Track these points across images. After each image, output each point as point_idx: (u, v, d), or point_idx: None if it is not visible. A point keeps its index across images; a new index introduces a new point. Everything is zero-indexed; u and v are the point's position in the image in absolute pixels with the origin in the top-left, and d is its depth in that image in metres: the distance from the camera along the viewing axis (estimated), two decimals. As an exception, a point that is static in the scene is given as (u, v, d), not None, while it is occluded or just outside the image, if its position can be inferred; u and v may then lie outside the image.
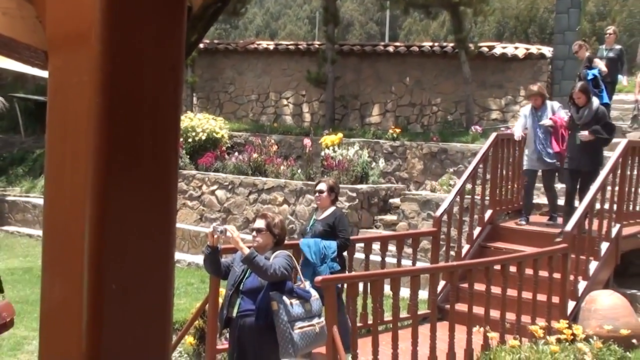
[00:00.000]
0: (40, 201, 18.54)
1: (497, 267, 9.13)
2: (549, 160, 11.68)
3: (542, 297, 9.41)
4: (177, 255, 14.74)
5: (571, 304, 9.90)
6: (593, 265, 10.48)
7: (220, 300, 8.08)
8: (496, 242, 11.77)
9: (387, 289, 8.57)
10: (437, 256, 11.19)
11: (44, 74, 1.86)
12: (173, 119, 1.74)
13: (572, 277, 10.01)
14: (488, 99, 18.15)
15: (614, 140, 11.67)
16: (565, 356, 8.25)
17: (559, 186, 12.51)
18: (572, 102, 11.37)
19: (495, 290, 9.00)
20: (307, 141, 16.61)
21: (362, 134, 17.95)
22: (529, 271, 9.32)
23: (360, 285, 8.86)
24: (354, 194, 14.75)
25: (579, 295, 10.02)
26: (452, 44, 18.75)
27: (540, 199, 12.66)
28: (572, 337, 8.80)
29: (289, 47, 21.33)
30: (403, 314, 9.61)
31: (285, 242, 7.00)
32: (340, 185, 14.74)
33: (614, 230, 10.99)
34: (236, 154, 17.47)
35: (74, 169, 1.67)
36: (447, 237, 11.44)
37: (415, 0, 18.97)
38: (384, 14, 59.40)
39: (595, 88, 13.82)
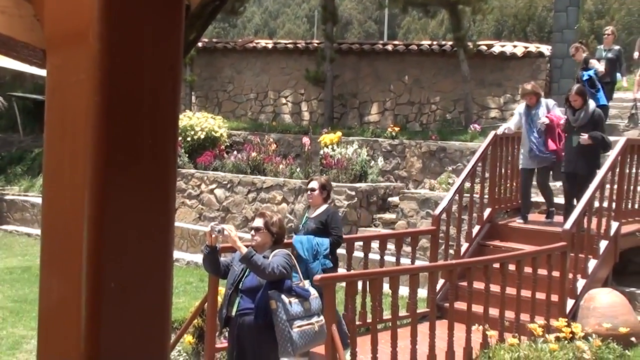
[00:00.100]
0: (39, 200, 18.54)
1: (496, 265, 9.14)
2: (542, 157, 11.66)
3: (541, 296, 9.42)
4: (176, 254, 14.74)
5: (570, 302, 9.90)
6: (592, 263, 10.48)
7: (220, 299, 8.10)
8: (495, 240, 11.78)
9: (386, 287, 8.57)
10: (436, 255, 11.19)
11: (43, 72, 1.86)
12: (172, 117, 1.74)
13: (571, 276, 10.01)
14: (487, 98, 18.15)
15: (614, 138, 11.68)
16: (564, 354, 8.26)
17: (557, 184, 12.52)
18: (568, 104, 11.35)
19: (494, 288, 9.01)
20: (305, 140, 16.62)
21: (361, 133, 17.95)
22: (528, 269, 9.33)
23: (359, 284, 8.86)
24: (353, 193, 14.75)
25: (578, 293, 10.03)
26: (450, 43, 18.75)
27: (538, 197, 12.65)
28: (571, 335, 8.81)
29: (288, 45, 21.32)
30: (402, 312, 9.60)
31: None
32: (339, 184, 14.79)
33: (613, 228, 10.99)
34: (235, 152, 17.47)
35: (72, 168, 1.67)
36: (446, 235, 11.44)
37: (414, -2, 19.01)
38: (383, 12, 59.46)
39: (591, 88, 13.81)
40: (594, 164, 11.02)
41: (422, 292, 9.97)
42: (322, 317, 6.59)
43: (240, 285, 6.53)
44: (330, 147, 16.03)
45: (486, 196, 12.26)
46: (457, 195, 11.69)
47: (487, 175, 12.33)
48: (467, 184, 11.92)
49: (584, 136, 10.91)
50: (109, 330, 1.64)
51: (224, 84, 22.11)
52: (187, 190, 16.98)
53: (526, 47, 18.11)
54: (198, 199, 16.92)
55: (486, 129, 15.72)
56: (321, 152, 16.13)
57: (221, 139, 18.36)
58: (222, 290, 8.09)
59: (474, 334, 8.69)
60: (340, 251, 11.12)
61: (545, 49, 17.98)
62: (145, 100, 1.67)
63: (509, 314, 9.08)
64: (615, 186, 11.16)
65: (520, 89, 12.41)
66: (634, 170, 11.79)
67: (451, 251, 11.54)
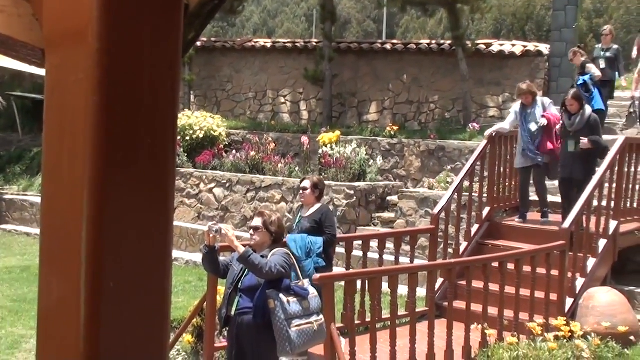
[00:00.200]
0: (38, 200, 18.53)
1: (495, 264, 9.14)
2: (533, 157, 11.65)
3: (540, 295, 9.43)
4: (175, 254, 14.75)
5: (569, 301, 9.91)
6: (591, 262, 10.49)
7: (219, 299, 8.10)
8: (494, 239, 11.78)
9: (385, 286, 8.58)
10: (435, 254, 11.20)
11: (42, 72, 1.86)
12: (171, 117, 1.74)
13: (570, 274, 10.02)
14: (485, 97, 18.15)
15: (613, 137, 11.67)
16: (563, 353, 8.26)
17: (556, 183, 12.51)
18: (564, 109, 11.34)
19: (493, 287, 9.01)
20: (304, 139, 16.63)
21: (360, 132, 17.96)
22: (527, 268, 9.34)
23: (359, 283, 8.86)
24: (352, 192, 14.75)
25: (577, 292, 10.03)
26: (449, 42, 18.74)
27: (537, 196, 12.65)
28: (570, 334, 8.81)
29: (287, 45, 21.32)
30: (401, 311, 9.61)
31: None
32: (338, 183, 14.80)
33: (612, 227, 10.99)
34: (234, 152, 17.46)
35: (71, 168, 1.67)
36: (445, 234, 11.45)
37: (413, -3, 19.01)
38: (382, 11, 59.51)
39: (585, 93, 13.79)
40: (590, 168, 10.95)
41: (421, 291, 9.97)
42: (321, 316, 6.59)
43: (240, 284, 6.53)
44: (329, 146, 16.03)
45: (485, 195, 12.27)
46: (456, 194, 11.71)
47: (485, 174, 12.33)
48: (466, 183, 11.93)
49: (584, 140, 10.90)
50: (108, 329, 1.64)
51: (223, 83, 22.11)
52: (186, 189, 16.98)
53: (525, 46, 18.11)
54: (197, 198, 16.93)
55: (485, 128, 15.68)
56: (320, 151, 16.13)
57: (220, 138, 18.36)
58: (221, 289, 8.10)
59: (473, 333, 8.70)
60: (340, 250, 11.16)
61: (544, 48, 17.98)
62: (145, 99, 1.67)
63: (508, 313, 9.09)
64: (614, 185, 11.16)
65: (516, 89, 12.35)
66: (632, 169, 11.79)
67: (450, 250, 11.55)
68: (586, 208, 10.38)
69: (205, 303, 8.53)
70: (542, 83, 17.42)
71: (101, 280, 1.62)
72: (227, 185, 16.43)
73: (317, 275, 7.46)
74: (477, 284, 9.01)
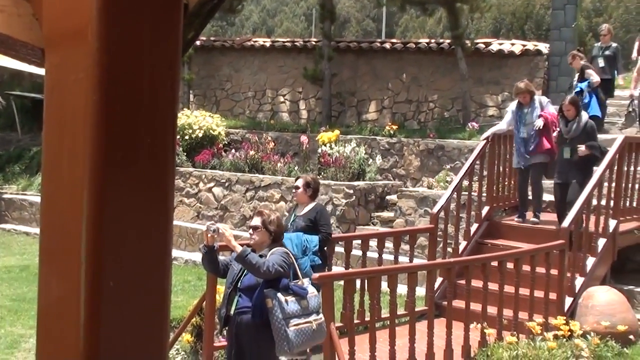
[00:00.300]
0: (37, 199, 18.53)
1: (495, 263, 9.15)
2: (526, 159, 11.63)
3: (539, 294, 9.43)
4: (174, 253, 14.75)
5: (568, 300, 9.91)
6: (590, 261, 10.49)
7: (218, 298, 8.11)
8: (493, 238, 11.78)
9: (384, 285, 8.58)
10: (434, 253, 11.20)
11: (41, 71, 1.86)
12: (170, 116, 1.74)
13: (569, 274, 10.02)
14: (485, 96, 18.15)
15: (612, 136, 11.66)
16: (562, 352, 8.27)
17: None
18: (561, 114, 11.30)
19: (493, 286, 9.02)
20: (304, 138, 16.63)
21: (359, 131, 17.95)
22: (526, 267, 9.34)
23: (358, 282, 8.86)
24: (351, 191, 14.75)
25: (576, 291, 10.04)
26: (448, 41, 18.73)
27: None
28: (569, 333, 8.82)
29: (286, 44, 21.32)
30: (400, 310, 9.62)
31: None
32: (338, 182, 14.80)
33: (611, 226, 11.00)
34: (233, 151, 17.46)
35: (71, 167, 1.67)
36: (444, 233, 11.45)
37: (412, -3, 19.01)
38: (381, 10, 59.46)
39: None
40: (587, 174, 10.90)
41: (421, 291, 9.97)
42: (321, 316, 6.59)
43: (239, 284, 6.54)
44: (328, 145, 16.03)
45: (484, 194, 12.27)
46: (455, 193, 11.70)
47: (485, 173, 12.33)
48: (465, 182, 11.93)
49: (582, 147, 10.87)
50: (108, 328, 1.64)
51: (222, 83, 22.10)
52: (185, 188, 16.98)
53: (524, 45, 18.10)
54: (196, 198, 16.93)
55: (484, 127, 15.69)
56: (319, 150, 16.13)
57: (219, 137, 18.36)
58: (220, 288, 8.10)
59: (472, 332, 8.71)
60: (339, 249, 11.16)
61: (543, 47, 17.97)
62: (144, 99, 1.67)
63: (508, 312, 9.09)
64: (614, 184, 11.17)
65: (513, 88, 12.34)
66: (632, 168, 11.79)
67: (449, 249, 11.55)
68: (585, 207, 10.39)
69: (204, 302, 8.53)
70: (541, 82, 17.42)
71: (101, 279, 1.62)
72: (226, 184, 16.44)
73: (316, 275, 7.45)
74: (477, 283, 9.01)
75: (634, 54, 17.61)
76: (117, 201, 1.64)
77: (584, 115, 11.25)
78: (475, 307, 8.84)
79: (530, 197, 12.27)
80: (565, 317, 9.24)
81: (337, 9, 25.09)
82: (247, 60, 21.69)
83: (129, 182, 1.66)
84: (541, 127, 11.47)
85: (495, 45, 18.05)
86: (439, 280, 10.47)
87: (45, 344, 1.79)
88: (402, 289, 9.49)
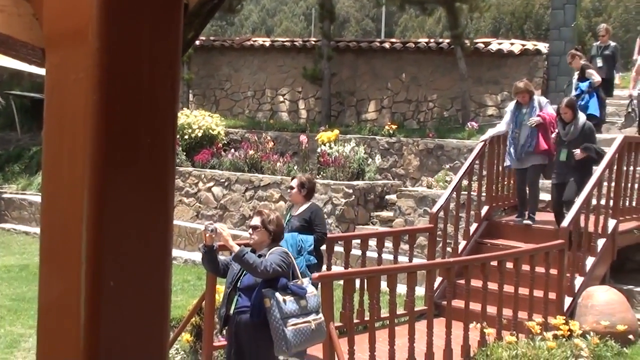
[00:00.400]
0: (37, 198, 18.56)
1: (494, 263, 9.14)
2: (524, 157, 11.62)
3: (538, 293, 9.44)
4: (174, 252, 14.74)
5: (568, 300, 9.91)
6: (590, 261, 10.49)
7: (218, 298, 8.11)
8: (493, 238, 11.78)
9: (383, 285, 8.58)
10: (433, 252, 11.20)
11: (40, 71, 1.86)
12: (170, 116, 1.74)
13: (568, 273, 10.03)
14: (484, 95, 18.15)
15: (611, 136, 11.65)
16: (562, 352, 8.27)
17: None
18: (559, 117, 11.27)
19: (492, 286, 9.02)
20: (303, 138, 16.63)
21: (358, 131, 17.95)
22: (525, 267, 9.34)
23: (357, 282, 8.86)
24: (350, 191, 14.75)
25: (576, 291, 10.04)
26: (448, 40, 18.72)
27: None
28: (568, 333, 8.83)
29: (285, 43, 21.32)
30: (400, 310, 9.63)
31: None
32: (337, 182, 14.80)
33: (611, 226, 11.00)
34: (232, 150, 17.46)
35: (71, 167, 1.67)
36: (443, 233, 11.45)
37: (411, -4, 19.02)
38: (380, 10, 59.53)
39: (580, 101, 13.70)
40: (587, 176, 10.87)
41: (420, 290, 9.96)
42: (320, 315, 6.57)
43: (239, 283, 6.53)
44: (327, 145, 16.03)
45: (484, 194, 12.27)
46: (455, 193, 11.70)
47: (484, 172, 12.33)
48: (465, 182, 11.93)
49: (576, 151, 10.83)
50: (108, 328, 1.64)
51: (222, 82, 22.11)
52: (184, 188, 16.99)
53: (523, 45, 18.10)
54: (195, 197, 16.93)
55: (483, 127, 15.71)
56: (319, 150, 16.13)
57: (218, 137, 18.36)
58: (220, 288, 8.10)
59: (471, 332, 8.71)
60: (338, 249, 11.16)
61: (543, 47, 17.97)
62: (144, 98, 1.67)
63: (507, 312, 9.09)
64: (613, 184, 11.16)
65: (513, 87, 12.32)
66: (631, 168, 11.79)
67: (449, 249, 11.55)
68: (585, 207, 10.39)
69: (204, 302, 8.53)
70: (540, 82, 17.42)
71: (101, 279, 1.62)
72: (226, 184, 16.44)
73: (316, 274, 7.45)
74: (476, 283, 9.01)
75: (635, 55, 17.60)
76: (117, 201, 1.64)
77: (582, 117, 11.20)
78: (475, 306, 8.84)
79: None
80: (564, 317, 9.24)
81: (337, 8, 25.10)
82: (247, 60, 21.70)
83: (129, 182, 1.66)
84: (538, 124, 11.43)
85: (494, 45, 18.06)
86: (439, 279, 10.46)
87: (46, 344, 1.79)
88: (401, 289, 9.50)
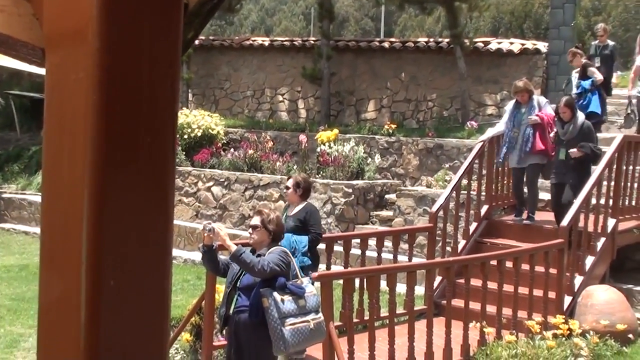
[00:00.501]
0: (36, 198, 18.57)
1: (494, 262, 9.14)
2: (521, 157, 11.61)
3: (538, 293, 9.44)
4: (173, 252, 14.74)
5: (567, 299, 9.92)
6: (589, 260, 10.50)
7: (217, 297, 8.11)
8: (492, 237, 11.78)
9: (383, 284, 8.58)
10: (433, 252, 11.21)
11: (40, 70, 1.86)
12: (170, 116, 1.74)
13: (568, 273, 10.03)
14: (483, 95, 18.16)
15: (611, 135, 11.64)
16: (561, 351, 8.27)
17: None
18: (557, 116, 11.26)
19: (492, 285, 9.02)
20: (302, 137, 16.63)
21: (358, 130, 17.96)
22: (525, 266, 9.34)
23: (357, 281, 8.86)
24: (350, 190, 14.76)
25: (575, 290, 10.05)
26: (447, 40, 18.72)
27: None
28: (568, 332, 8.83)
29: (284, 43, 21.32)
30: (399, 309, 9.63)
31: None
32: (336, 182, 14.80)
33: (610, 225, 11.00)
34: (232, 150, 17.46)
35: (71, 166, 1.67)
36: (443, 232, 11.45)
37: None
38: (379, 9, 59.53)
39: (581, 99, 13.68)
40: (583, 176, 10.86)
41: (420, 290, 9.97)
42: (320, 315, 6.57)
43: (239, 283, 6.54)
44: (327, 144, 16.03)
45: (483, 193, 12.26)
46: (454, 192, 11.70)
47: (484, 172, 12.32)
48: (464, 181, 11.94)
49: (573, 150, 10.82)
50: (109, 328, 1.64)
51: (221, 82, 22.11)
52: (184, 187, 16.99)
53: (523, 44, 18.11)
54: (195, 197, 16.93)
55: (483, 126, 15.71)
56: (318, 149, 16.13)
57: (218, 136, 18.36)
58: (219, 287, 8.10)
59: (471, 331, 8.71)
60: (338, 248, 11.16)
61: (542, 46, 17.98)
62: (144, 98, 1.67)
63: (507, 311, 9.09)
64: (613, 183, 11.17)
65: (512, 86, 12.32)
66: (630, 167, 11.79)
67: (448, 248, 11.56)
68: (584, 206, 10.39)
69: (203, 301, 8.53)
70: (540, 81, 17.43)
71: (101, 278, 1.62)
72: (225, 183, 16.44)
73: (315, 274, 7.45)
74: (476, 282, 9.02)
75: (636, 54, 17.58)
76: (117, 200, 1.64)
77: (581, 117, 11.18)
78: (475, 306, 8.85)
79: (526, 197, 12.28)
80: (564, 316, 9.24)
81: (336, 8, 25.09)
82: (246, 60, 21.70)
83: (129, 182, 1.66)
84: (535, 124, 11.43)
85: (494, 44, 18.06)
86: (438, 279, 10.47)
87: (46, 343, 1.79)
88: (401, 288, 9.50)
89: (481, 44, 18.06)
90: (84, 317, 1.62)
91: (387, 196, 15.38)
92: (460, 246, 11.53)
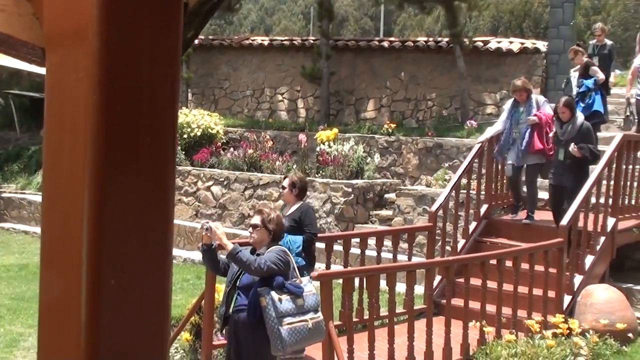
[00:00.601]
0: (36, 198, 18.57)
1: (493, 261, 9.14)
2: (519, 156, 11.60)
3: (538, 292, 9.44)
4: (173, 252, 14.72)
5: (567, 299, 9.92)
6: (589, 259, 10.50)
7: (217, 297, 8.11)
8: (492, 236, 11.79)
9: (383, 284, 8.58)
10: (432, 251, 11.21)
11: (39, 70, 1.86)
12: (170, 115, 1.74)
13: (568, 272, 10.03)
14: (483, 94, 18.15)
15: (610, 134, 11.64)
16: (561, 350, 8.27)
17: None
18: (556, 116, 11.25)
19: (491, 285, 9.02)
20: (302, 137, 16.62)
21: (357, 129, 17.95)
22: (525, 266, 9.34)
23: (356, 281, 8.86)
24: (350, 189, 14.76)
25: (575, 289, 10.05)
26: (446, 39, 18.71)
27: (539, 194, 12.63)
28: (568, 331, 8.83)
29: (284, 42, 21.30)
30: (399, 309, 9.63)
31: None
32: (336, 181, 14.80)
33: (610, 224, 11.00)
34: (231, 149, 17.46)
35: (71, 166, 1.67)
36: (442, 232, 11.46)
37: (410, -5, 19.01)
38: (379, 9, 59.49)
39: (583, 100, 13.66)
40: (582, 177, 10.84)
41: (419, 289, 9.97)
42: (319, 314, 6.56)
43: (238, 282, 6.54)
44: (326, 143, 16.03)
45: (483, 192, 12.26)
46: (454, 191, 11.70)
47: (483, 171, 12.32)
48: (464, 181, 11.94)
49: (574, 148, 10.79)
50: (109, 327, 1.64)
51: (220, 81, 22.10)
52: (183, 187, 16.98)
53: (522, 43, 18.11)
54: (195, 196, 16.93)
55: (482, 125, 15.70)
56: (318, 148, 16.13)
57: (217, 136, 18.36)
58: (219, 287, 8.10)
59: (471, 331, 8.71)
60: (337, 248, 11.16)
61: (542, 45, 17.98)
62: (144, 98, 1.67)
63: (506, 310, 9.10)
64: (612, 182, 11.17)
65: (511, 85, 12.30)
66: (630, 166, 11.79)
67: (448, 247, 11.56)
68: (584, 205, 10.39)
69: (203, 301, 8.53)
70: (539, 80, 17.43)
71: (102, 278, 1.63)
72: (225, 183, 16.44)
73: (315, 273, 7.45)
74: (475, 282, 9.02)
75: (636, 53, 17.56)
76: (117, 200, 1.64)
77: (580, 117, 11.16)
78: (474, 305, 8.85)
79: (524, 194, 12.26)
80: (564, 315, 9.25)
81: (335, 7, 25.09)
82: (246, 59, 21.69)
83: (129, 181, 1.66)
84: (533, 123, 11.43)
85: (493, 44, 18.06)
86: (438, 278, 10.47)
87: (47, 343, 1.79)
88: (400, 287, 9.50)
89: (480, 43, 18.06)
90: (84, 316, 1.62)
91: (386, 195, 15.37)
92: (459, 245, 11.53)
